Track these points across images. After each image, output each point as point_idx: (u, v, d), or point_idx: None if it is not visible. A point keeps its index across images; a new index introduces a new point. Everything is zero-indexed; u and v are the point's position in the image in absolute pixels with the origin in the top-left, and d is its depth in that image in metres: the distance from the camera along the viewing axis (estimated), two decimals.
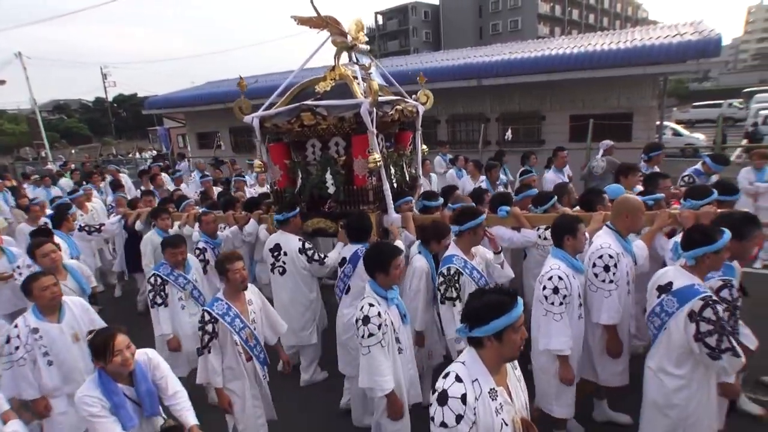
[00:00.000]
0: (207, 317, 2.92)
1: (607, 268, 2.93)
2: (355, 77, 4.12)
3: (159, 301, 3.75)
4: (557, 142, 9.81)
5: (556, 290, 2.80)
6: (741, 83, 40.06)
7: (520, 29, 46.46)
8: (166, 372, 2.53)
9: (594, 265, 2.97)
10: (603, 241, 3.04)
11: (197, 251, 4.41)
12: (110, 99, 48.37)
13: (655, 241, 3.41)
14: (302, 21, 4.14)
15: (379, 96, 3.70)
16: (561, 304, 2.80)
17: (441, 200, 4.41)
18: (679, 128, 17.50)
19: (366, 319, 2.60)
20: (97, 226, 5.79)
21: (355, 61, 4.30)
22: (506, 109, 11.05)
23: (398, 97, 4.51)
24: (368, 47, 4.41)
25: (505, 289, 1.84)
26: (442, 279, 3.14)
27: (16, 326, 2.97)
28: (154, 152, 20.75)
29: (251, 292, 3.18)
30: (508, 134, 11.01)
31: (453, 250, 3.27)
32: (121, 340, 2.29)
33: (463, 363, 1.80)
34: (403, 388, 2.77)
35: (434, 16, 54.01)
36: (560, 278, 2.82)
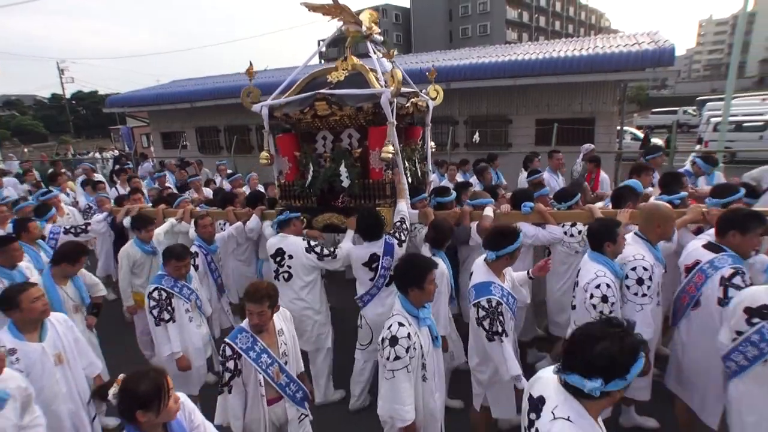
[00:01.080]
0: (229, 352, 2.51)
1: (640, 281, 2.81)
2: (372, 69, 3.94)
3: (166, 316, 3.36)
4: (524, 146, 10.08)
5: (605, 299, 2.72)
6: (695, 92, 42.21)
7: (488, 34, 47.41)
8: (201, 418, 2.18)
9: (626, 276, 2.84)
10: (635, 251, 2.90)
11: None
12: (68, 96, 46.35)
13: (681, 236, 3.40)
14: (314, 8, 3.93)
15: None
16: (611, 312, 2.73)
17: (454, 195, 4.34)
18: (639, 133, 18.27)
19: (393, 340, 2.34)
20: (83, 226, 5.24)
21: (374, 51, 4.10)
22: (474, 112, 11.24)
23: (413, 90, 4.44)
24: (382, 38, 4.22)
25: (618, 322, 1.50)
26: (484, 312, 2.73)
27: None
28: (116, 152, 19.93)
29: (282, 319, 2.79)
30: (476, 137, 11.19)
31: (487, 275, 2.84)
32: (170, 378, 1.97)
33: (567, 419, 1.46)
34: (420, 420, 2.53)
35: (405, 19, 54.39)
36: (608, 286, 2.74)
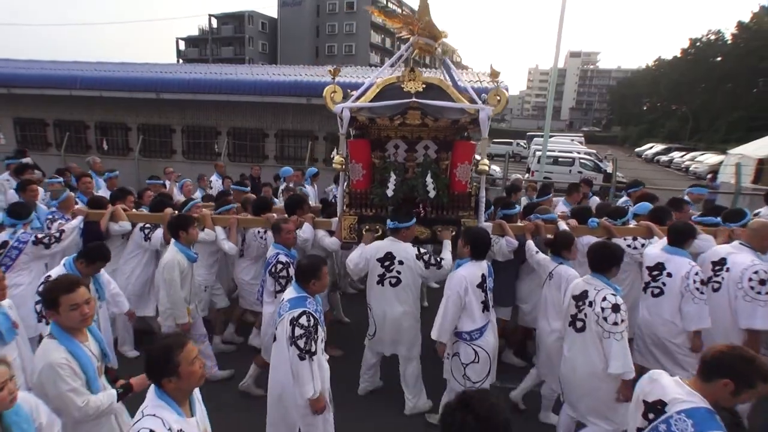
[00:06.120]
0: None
1: (763, 282, 3.29)
2: (455, 83, 4.15)
3: (314, 348, 2.71)
4: None
5: (703, 282, 3.35)
6: (526, 127, 49.91)
7: (354, 54, 49.17)
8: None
9: (750, 279, 3.34)
10: (751, 258, 3.44)
11: (280, 266, 3.68)
12: None
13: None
14: (388, 17, 4.10)
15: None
16: (704, 292, 3.35)
17: (518, 208, 4.50)
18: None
19: (616, 307, 2.77)
20: (57, 234, 4.07)
21: (451, 66, 4.37)
22: (333, 129, 11.25)
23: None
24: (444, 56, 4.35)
25: None
26: None
27: None
28: None
29: None
30: (334, 153, 11.21)
31: None
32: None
33: None
34: None
35: (272, 29, 53.37)
36: (701, 273, 3.39)
